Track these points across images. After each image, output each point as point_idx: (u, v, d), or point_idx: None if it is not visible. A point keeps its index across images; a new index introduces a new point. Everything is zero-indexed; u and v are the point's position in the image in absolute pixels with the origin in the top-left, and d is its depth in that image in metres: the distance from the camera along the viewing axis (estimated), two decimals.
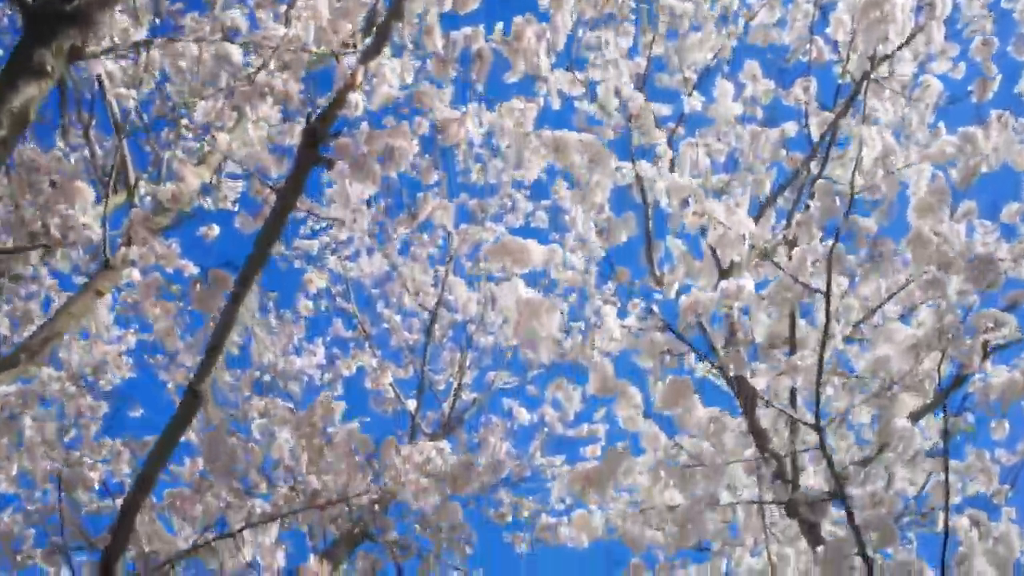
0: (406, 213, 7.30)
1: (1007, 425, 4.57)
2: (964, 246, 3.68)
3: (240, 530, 3.28)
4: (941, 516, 3.86)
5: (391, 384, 6.40)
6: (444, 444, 3.51)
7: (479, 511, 6.39)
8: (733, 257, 3.66)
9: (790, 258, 3.69)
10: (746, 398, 4.55)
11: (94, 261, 4.54)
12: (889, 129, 4.50)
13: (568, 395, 6.37)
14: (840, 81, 4.98)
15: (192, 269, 3.59)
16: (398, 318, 7.35)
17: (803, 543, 4.51)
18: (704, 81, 5.55)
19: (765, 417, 4.10)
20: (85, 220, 3.36)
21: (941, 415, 3.80)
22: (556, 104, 4.45)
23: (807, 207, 3.76)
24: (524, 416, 7.64)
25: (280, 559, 3.41)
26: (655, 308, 3.71)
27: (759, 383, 3.61)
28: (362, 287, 7.67)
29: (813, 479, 5.04)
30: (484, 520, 6.61)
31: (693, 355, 3.86)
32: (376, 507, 5.36)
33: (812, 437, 4.83)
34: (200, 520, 3.31)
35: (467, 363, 6.95)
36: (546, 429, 7.65)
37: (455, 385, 6.75)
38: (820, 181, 3.87)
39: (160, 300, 3.40)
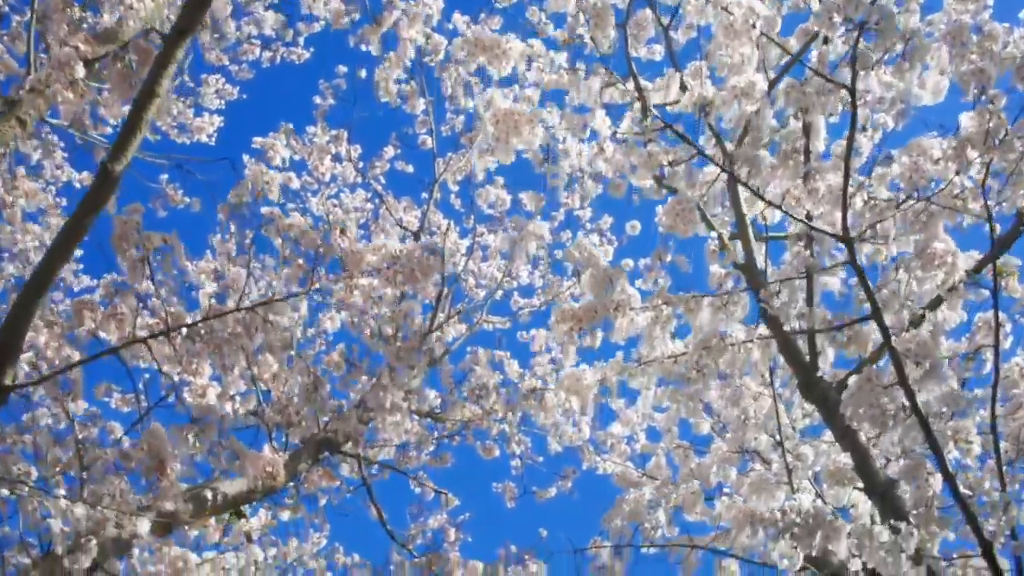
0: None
1: None
2: (1010, 43, 3.13)
3: (148, 338, 2.67)
4: (990, 357, 3.26)
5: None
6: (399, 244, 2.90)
7: (464, 442, 5.75)
8: (743, 51, 3.10)
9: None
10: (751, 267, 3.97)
11: None
12: None
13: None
14: None
15: None
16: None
17: None
18: None
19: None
20: None
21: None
22: None
23: None
24: (515, 370, 7.02)
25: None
26: (652, 110, 3.14)
27: (776, 188, 3.02)
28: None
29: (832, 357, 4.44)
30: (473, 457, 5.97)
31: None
32: (356, 423, 4.77)
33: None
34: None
35: (448, 296, 6.34)
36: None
37: (439, 316, 6.13)
38: None
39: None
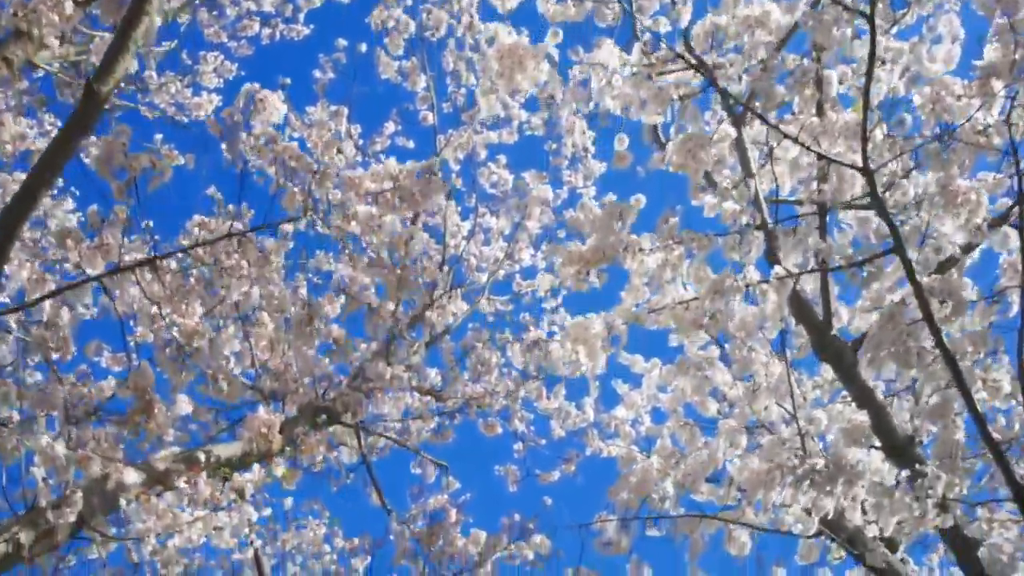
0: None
1: None
2: None
3: (134, 265, 2.51)
4: (1016, 300, 3.10)
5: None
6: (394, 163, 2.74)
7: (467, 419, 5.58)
8: None
9: None
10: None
11: None
12: None
13: None
14: None
15: None
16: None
17: None
18: None
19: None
20: None
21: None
22: None
23: None
24: (519, 357, 6.84)
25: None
26: (662, 40, 3.00)
27: (789, 130, 2.87)
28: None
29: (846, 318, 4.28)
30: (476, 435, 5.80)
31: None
32: (355, 393, 4.61)
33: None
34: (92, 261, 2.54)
35: (449, 275, 6.18)
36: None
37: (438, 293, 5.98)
38: None
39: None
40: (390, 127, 6.56)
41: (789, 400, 4.39)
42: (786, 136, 2.88)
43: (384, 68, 6.35)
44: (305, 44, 6.62)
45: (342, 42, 6.54)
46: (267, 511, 3.52)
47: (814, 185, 3.06)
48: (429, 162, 2.74)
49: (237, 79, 6.62)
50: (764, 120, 2.87)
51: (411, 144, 6.55)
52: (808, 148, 2.83)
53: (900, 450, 3.47)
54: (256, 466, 3.32)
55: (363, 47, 6.40)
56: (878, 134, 2.96)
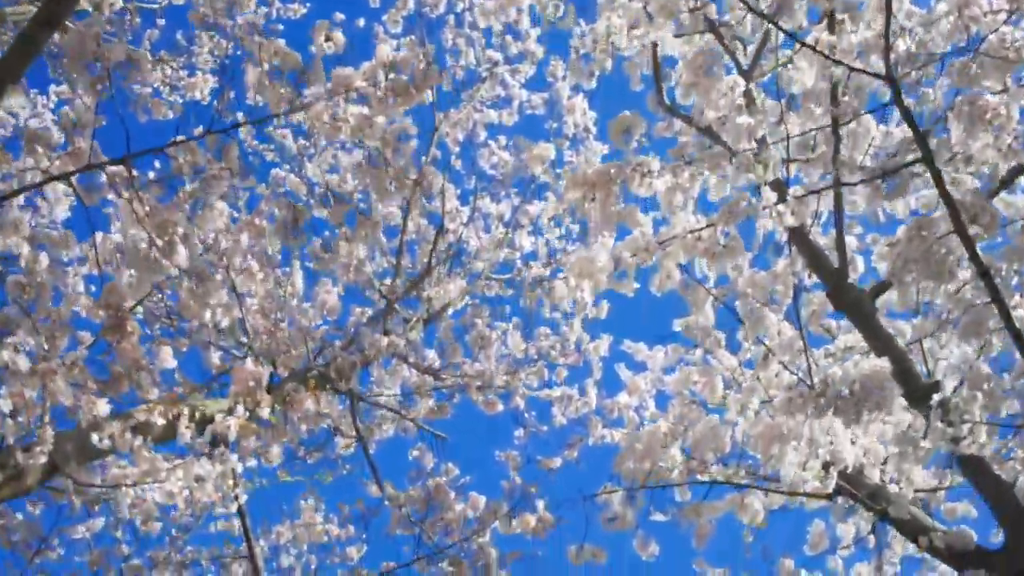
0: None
1: None
2: None
3: (106, 163, 2.30)
4: None
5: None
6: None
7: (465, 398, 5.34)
8: None
9: None
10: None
11: None
12: None
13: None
14: None
15: None
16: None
17: None
18: None
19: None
20: None
21: None
22: None
23: None
24: (520, 345, 6.61)
25: None
26: None
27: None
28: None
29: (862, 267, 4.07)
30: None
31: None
32: (350, 360, 4.40)
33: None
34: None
35: (449, 256, 5.98)
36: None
37: (436, 270, 5.77)
38: None
39: None
40: None
41: (802, 362, 4.19)
42: (804, 45, 2.68)
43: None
44: (303, 23, 6.45)
45: (339, 15, 6.38)
46: (252, 462, 3.27)
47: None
48: (425, 50, 2.54)
49: (233, 59, 6.46)
50: (780, 28, 2.68)
51: (408, 120, 6.36)
52: (827, 57, 2.63)
53: (923, 396, 3.24)
54: (240, 408, 3.08)
55: (360, 22, 6.25)
56: (900, 45, 2.77)
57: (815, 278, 4.19)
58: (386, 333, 4.73)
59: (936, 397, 2.78)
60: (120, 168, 2.46)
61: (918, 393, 3.28)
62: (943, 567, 6.49)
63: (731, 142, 2.79)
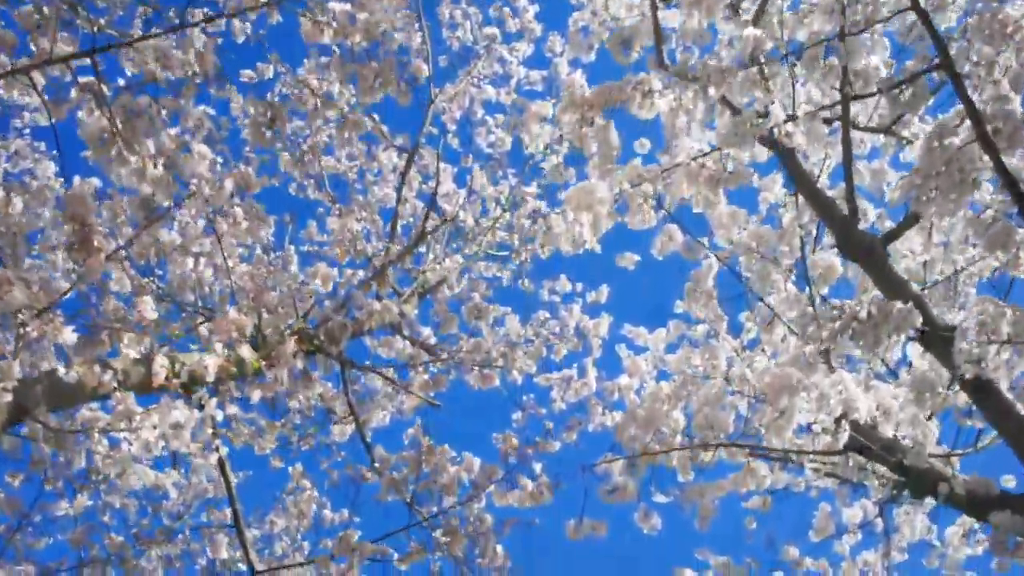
0: None
1: None
2: None
3: (71, 57, 2.12)
4: None
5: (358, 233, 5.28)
6: None
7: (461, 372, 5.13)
8: None
9: None
10: None
11: None
12: None
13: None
14: None
15: None
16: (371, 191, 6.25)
17: None
18: None
19: None
20: None
21: None
22: None
23: None
24: (516, 328, 6.42)
25: None
26: None
27: None
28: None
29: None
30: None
31: None
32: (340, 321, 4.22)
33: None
34: None
35: (445, 231, 5.81)
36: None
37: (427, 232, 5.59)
38: None
39: None
40: None
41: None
42: None
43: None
44: None
45: None
46: (232, 408, 3.08)
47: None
48: None
49: (224, 33, 6.30)
50: None
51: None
52: None
53: (940, 342, 3.05)
54: (219, 347, 2.89)
55: None
56: None
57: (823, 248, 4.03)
58: (379, 299, 4.55)
59: (960, 322, 2.59)
60: (91, 80, 2.29)
61: (935, 338, 3.08)
62: (953, 553, 6.29)
63: (738, 53, 2.61)
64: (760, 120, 2.55)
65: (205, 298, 3.85)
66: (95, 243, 2.26)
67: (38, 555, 5.22)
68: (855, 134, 3.41)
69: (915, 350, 3.26)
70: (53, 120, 2.35)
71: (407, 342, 5.09)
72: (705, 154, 2.71)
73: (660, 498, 4.45)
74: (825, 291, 4.68)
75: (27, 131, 4.23)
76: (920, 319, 2.42)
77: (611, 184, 2.77)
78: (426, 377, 5.16)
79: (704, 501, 4.55)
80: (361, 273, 4.48)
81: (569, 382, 6.26)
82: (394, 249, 4.89)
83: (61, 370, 2.53)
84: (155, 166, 2.22)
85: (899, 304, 2.89)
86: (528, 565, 5.00)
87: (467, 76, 6.21)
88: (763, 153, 4.30)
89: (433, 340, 5.57)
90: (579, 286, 6.67)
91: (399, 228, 5.43)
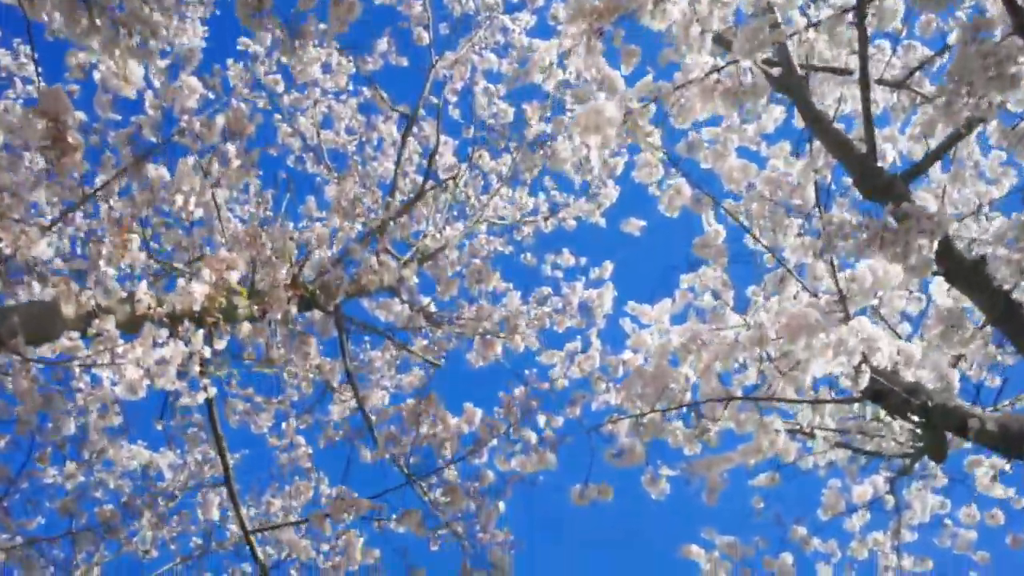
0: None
1: None
2: None
3: None
4: None
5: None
6: None
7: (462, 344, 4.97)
8: None
9: None
10: None
11: None
12: None
13: None
14: None
15: None
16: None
17: None
18: None
19: None
20: None
21: None
22: None
23: None
24: (517, 305, 6.24)
25: None
26: None
27: None
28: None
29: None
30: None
31: None
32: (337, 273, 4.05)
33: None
34: None
35: (445, 205, 5.65)
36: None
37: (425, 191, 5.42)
38: None
39: None
40: (382, 45, 6.06)
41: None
42: None
43: None
44: None
45: None
46: (221, 343, 2.90)
47: None
48: None
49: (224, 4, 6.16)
50: None
51: (404, 62, 6.06)
52: None
53: (969, 270, 2.88)
54: (206, 272, 2.71)
55: None
56: None
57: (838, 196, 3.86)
58: (377, 256, 4.37)
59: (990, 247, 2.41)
60: None
61: (963, 270, 2.91)
62: (964, 532, 6.09)
63: None
64: (777, 27, 2.39)
65: (195, 246, 3.68)
66: (70, 140, 2.09)
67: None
68: None
69: (939, 289, 3.09)
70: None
71: (406, 306, 4.92)
72: (719, 69, 2.54)
73: (666, 471, 4.28)
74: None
75: None
76: (953, 223, 2.23)
77: (620, 104, 2.60)
78: (425, 343, 4.99)
79: (712, 475, 4.37)
80: (360, 227, 4.31)
81: (573, 357, 6.08)
82: (394, 205, 4.72)
83: (35, 286, 2.36)
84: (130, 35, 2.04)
85: (931, 207, 2.71)
86: (531, 545, 4.82)
87: (468, 44, 6.06)
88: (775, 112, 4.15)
89: (433, 308, 5.40)
90: (583, 260, 6.51)
91: (397, 200, 5.27)
